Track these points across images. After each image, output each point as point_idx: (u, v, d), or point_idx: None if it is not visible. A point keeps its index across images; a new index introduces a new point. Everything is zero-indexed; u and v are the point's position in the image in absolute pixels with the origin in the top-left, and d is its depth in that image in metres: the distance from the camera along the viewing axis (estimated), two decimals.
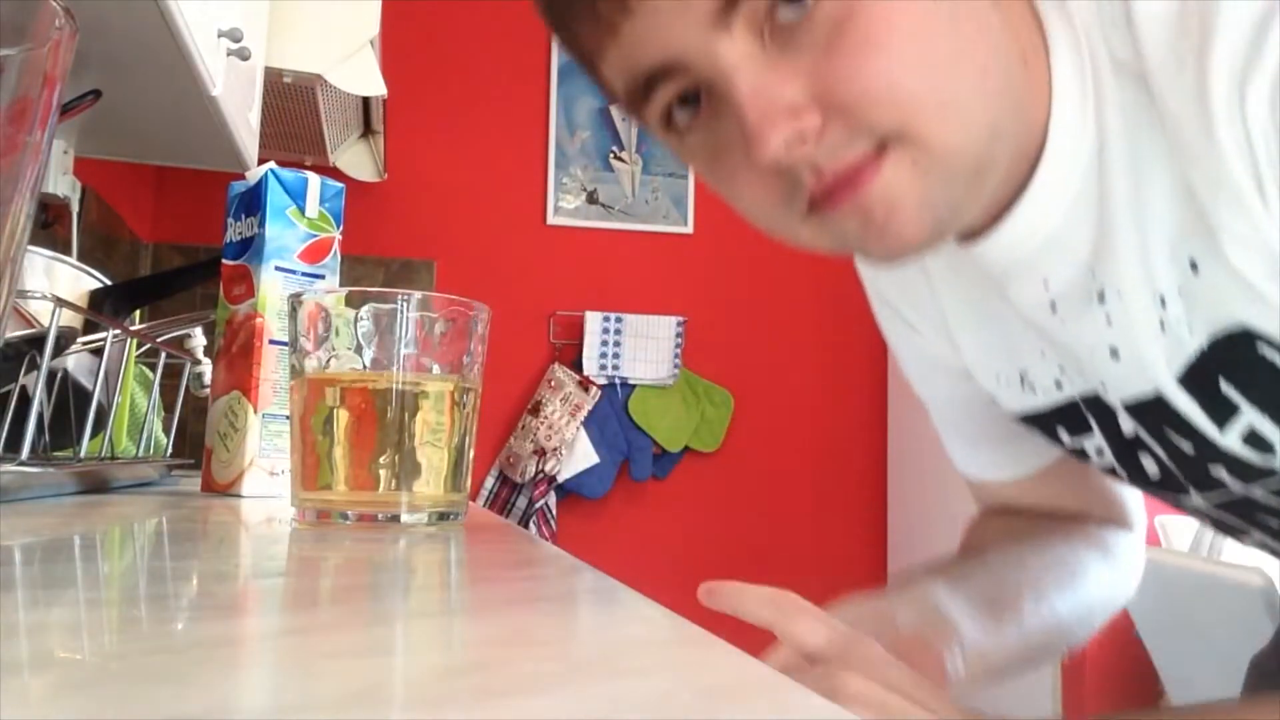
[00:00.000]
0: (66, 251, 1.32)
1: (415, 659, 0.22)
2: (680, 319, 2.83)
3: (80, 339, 0.78)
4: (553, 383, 2.81)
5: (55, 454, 0.79)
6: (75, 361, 0.80)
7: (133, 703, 0.16)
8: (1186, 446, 0.49)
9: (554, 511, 2.79)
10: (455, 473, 0.52)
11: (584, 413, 2.79)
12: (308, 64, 1.88)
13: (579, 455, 2.78)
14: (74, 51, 0.28)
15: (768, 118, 0.40)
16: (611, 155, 2.90)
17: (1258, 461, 0.46)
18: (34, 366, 0.64)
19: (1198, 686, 1.63)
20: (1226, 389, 0.45)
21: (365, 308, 0.51)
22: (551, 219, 2.84)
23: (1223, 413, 0.46)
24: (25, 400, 0.63)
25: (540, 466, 2.72)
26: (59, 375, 0.76)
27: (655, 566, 2.86)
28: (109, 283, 0.96)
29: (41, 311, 0.75)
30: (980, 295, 0.56)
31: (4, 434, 0.60)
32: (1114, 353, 0.48)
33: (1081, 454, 0.57)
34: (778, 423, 3.02)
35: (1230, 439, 0.46)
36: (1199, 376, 0.46)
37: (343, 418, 0.51)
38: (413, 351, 0.51)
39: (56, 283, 0.92)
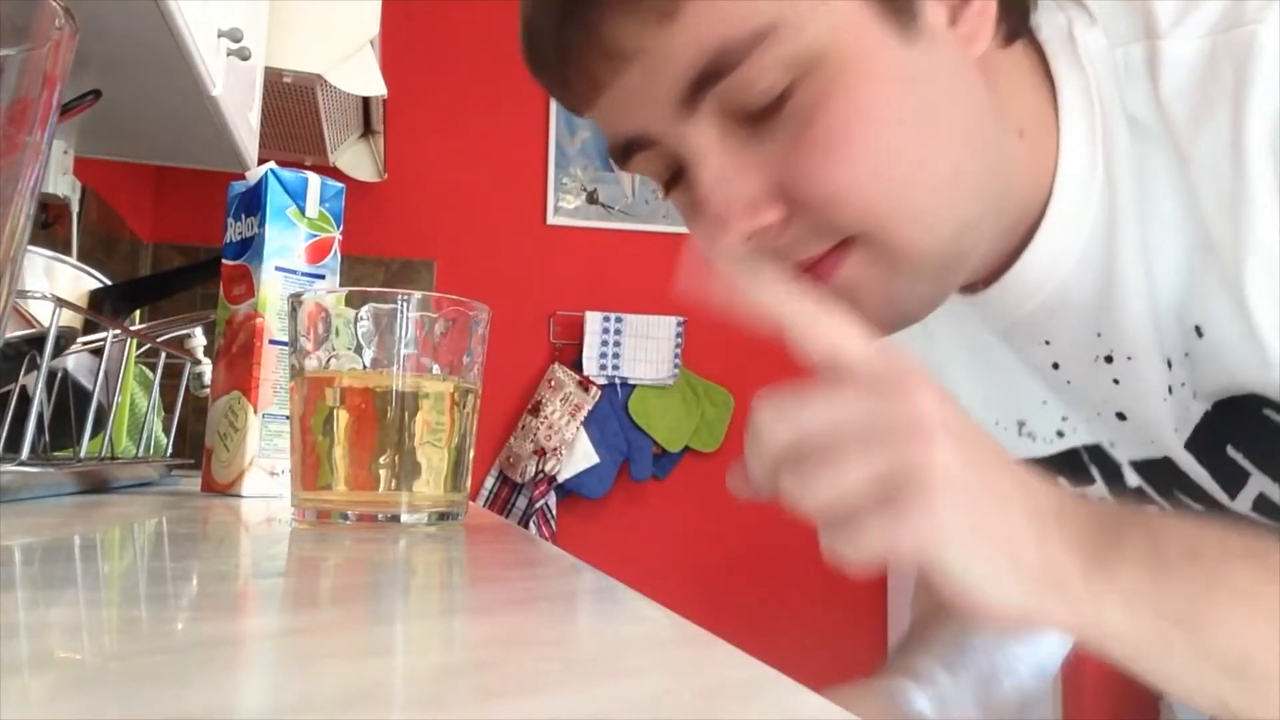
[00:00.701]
0: (66, 251, 1.33)
1: (415, 659, 0.22)
2: (680, 319, 2.83)
3: (80, 339, 0.78)
4: (553, 383, 2.81)
5: (55, 454, 0.79)
6: (75, 361, 0.80)
7: (133, 703, 0.16)
8: (1197, 508, 0.49)
9: (554, 511, 2.79)
10: (455, 473, 0.52)
11: (584, 413, 2.79)
12: (308, 64, 1.88)
13: (579, 455, 2.78)
14: (74, 51, 0.28)
15: (727, 211, 0.40)
16: None
17: (1270, 525, 0.46)
18: (34, 366, 0.64)
19: None
20: (1234, 454, 0.44)
21: (365, 308, 0.51)
22: (551, 219, 2.84)
23: (1232, 480, 0.45)
24: (25, 400, 0.63)
25: (540, 466, 2.72)
26: (59, 375, 0.76)
27: (655, 566, 2.86)
28: (109, 283, 0.96)
29: (41, 311, 0.75)
30: (980, 344, 0.55)
31: (4, 434, 0.60)
32: (1120, 415, 0.48)
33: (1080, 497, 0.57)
34: None
35: (1241, 505, 0.46)
36: (1206, 442, 0.45)
37: (343, 418, 0.51)
38: (413, 351, 0.51)
39: (56, 283, 0.92)
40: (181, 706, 0.16)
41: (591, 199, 2.86)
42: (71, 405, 0.77)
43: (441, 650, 0.23)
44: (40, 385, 0.62)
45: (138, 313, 1.01)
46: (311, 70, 1.89)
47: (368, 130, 2.48)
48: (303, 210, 0.73)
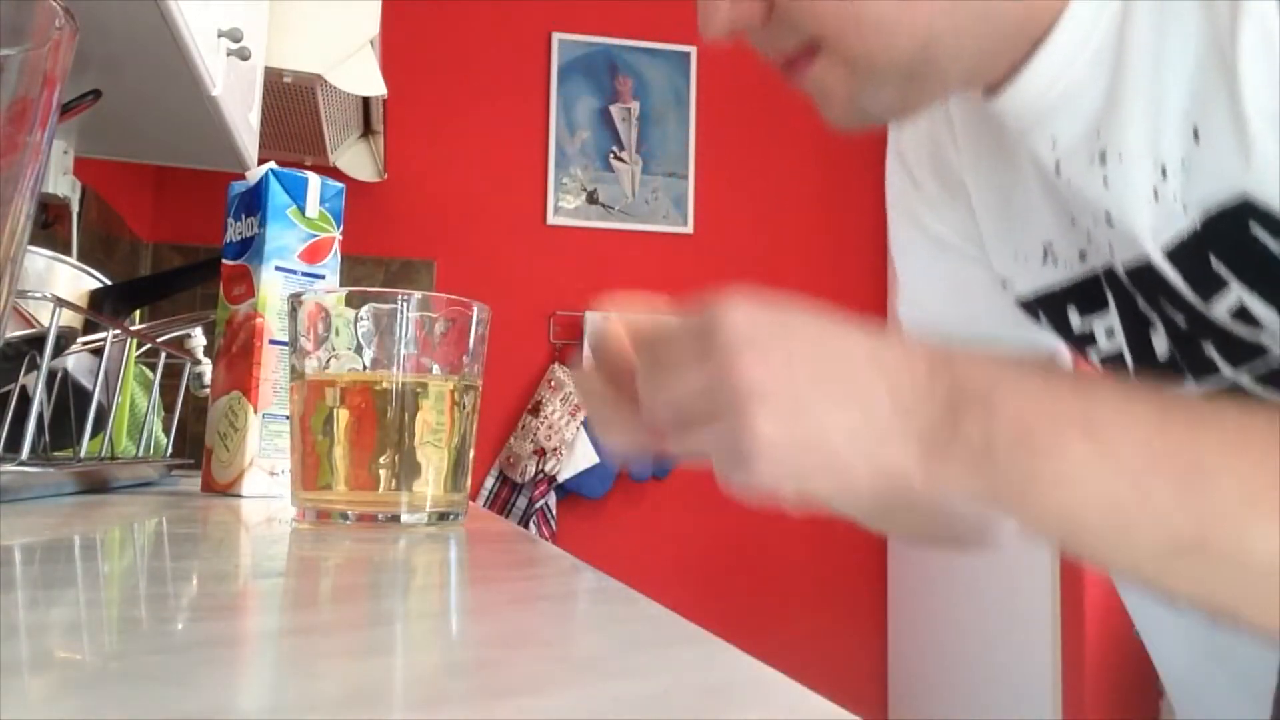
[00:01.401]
0: (66, 251, 1.33)
1: (415, 659, 0.22)
2: None
3: (80, 339, 0.78)
4: (553, 383, 2.81)
5: (55, 454, 0.79)
6: (75, 361, 0.80)
7: (133, 703, 0.16)
8: (1180, 320, 0.49)
9: (554, 511, 2.79)
10: (455, 473, 0.52)
11: (584, 413, 2.79)
12: (308, 64, 1.88)
13: (579, 455, 2.78)
14: (74, 51, 0.28)
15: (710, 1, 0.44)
16: (611, 155, 2.90)
17: (1246, 335, 0.46)
18: (34, 366, 0.64)
19: (1198, 686, 1.63)
20: (1217, 266, 0.45)
21: (365, 308, 0.51)
22: (551, 219, 2.84)
23: (1210, 287, 0.46)
24: (25, 400, 0.63)
25: (540, 466, 2.72)
26: (59, 375, 0.76)
27: (655, 566, 2.86)
28: (109, 283, 0.96)
29: (41, 311, 0.75)
30: (1005, 166, 0.56)
31: (4, 434, 0.60)
32: (1108, 218, 0.49)
33: (1087, 340, 0.57)
34: None
35: (1218, 311, 0.46)
36: (1188, 253, 0.46)
37: (343, 418, 0.51)
38: (413, 351, 0.51)
39: (56, 283, 0.92)
40: (181, 706, 0.16)
41: (591, 199, 2.86)
42: (71, 405, 0.77)
43: (441, 650, 0.23)
44: (40, 385, 0.62)
45: (138, 313, 1.01)
46: (311, 70, 1.89)
47: (368, 130, 2.48)
48: (303, 210, 0.73)
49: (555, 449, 2.73)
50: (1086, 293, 0.55)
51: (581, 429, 2.78)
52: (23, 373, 0.65)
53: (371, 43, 2.01)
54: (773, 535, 2.99)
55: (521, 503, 2.75)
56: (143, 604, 0.28)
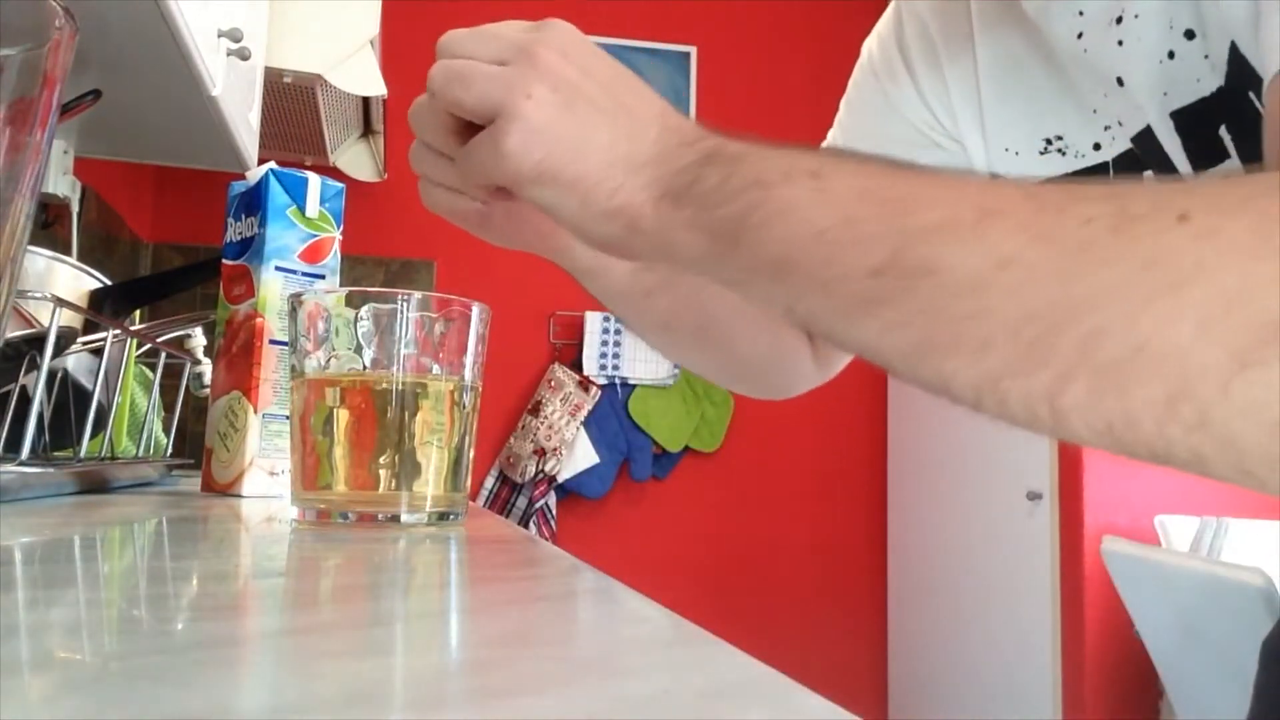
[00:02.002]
0: (66, 251, 1.33)
1: (415, 659, 0.22)
2: None
3: (80, 339, 0.78)
4: (553, 383, 2.81)
5: (55, 454, 0.79)
6: (75, 361, 0.80)
7: (133, 703, 0.16)
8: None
9: (554, 511, 2.79)
10: (455, 473, 0.52)
11: (584, 413, 2.79)
12: (308, 64, 1.88)
13: (579, 455, 2.78)
14: (74, 51, 0.28)
15: None
16: None
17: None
18: (34, 366, 0.64)
19: (1198, 686, 1.63)
20: (1224, 135, 0.46)
21: (365, 308, 0.51)
22: None
23: (1207, 158, 0.47)
24: (25, 400, 0.63)
25: (540, 466, 2.72)
26: (59, 375, 0.76)
27: (655, 566, 2.86)
28: (109, 283, 0.96)
29: (41, 311, 0.75)
30: (1021, 61, 0.56)
31: (4, 434, 0.60)
32: (1119, 81, 0.49)
33: None
34: (778, 423, 3.01)
35: None
36: (1198, 118, 0.46)
37: (343, 418, 0.51)
38: (413, 351, 0.51)
39: (56, 283, 0.92)
40: (181, 706, 0.16)
41: None
42: (71, 405, 0.77)
43: (441, 650, 0.23)
44: (40, 385, 0.62)
45: (138, 313, 1.01)
46: (311, 70, 1.89)
47: (368, 130, 2.48)
48: (303, 210, 0.73)
49: (555, 449, 2.73)
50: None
51: (581, 429, 2.78)
52: (23, 373, 0.65)
53: (371, 43, 2.01)
54: (773, 535, 2.99)
55: (521, 503, 2.75)
56: (143, 604, 0.28)
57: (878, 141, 0.67)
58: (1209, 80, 0.45)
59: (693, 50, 3.03)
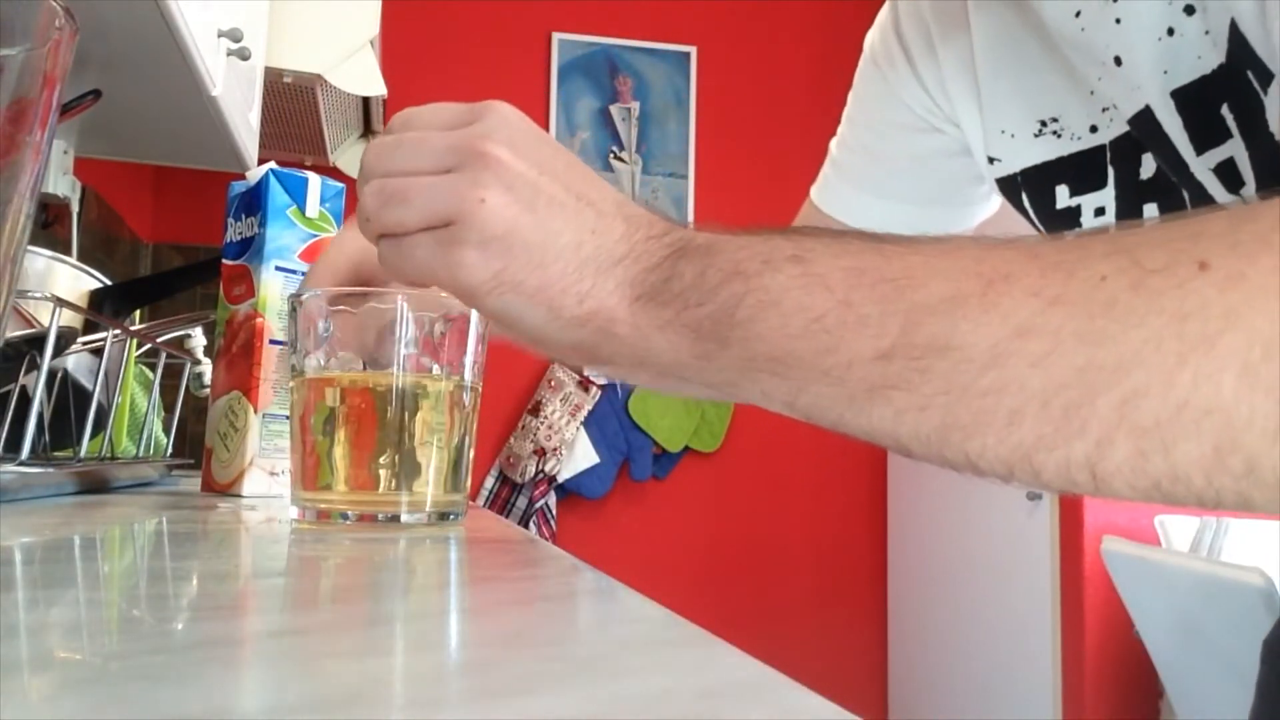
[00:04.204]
0: (66, 251, 1.33)
1: (415, 659, 0.22)
2: None
3: (80, 339, 0.78)
4: (553, 383, 2.81)
5: (55, 454, 0.79)
6: (75, 361, 0.80)
7: (133, 703, 0.16)
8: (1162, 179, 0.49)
9: (554, 511, 2.79)
10: (455, 473, 0.52)
11: (584, 413, 2.79)
12: (308, 64, 1.88)
13: (579, 455, 2.78)
14: (74, 51, 0.28)
15: None
16: (611, 155, 2.90)
17: (1222, 197, 0.47)
18: (34, 366, 0.64)
19: (1198, 686, 1.63)
20: (1225, 114, 0.45)
21: (365, 308, 0.51)
22: None
23: (1209, 139, 0.46)
24: (25, 400, 0.63)
25: (540, 466, 2.72)
26: (59, 375, 0.76)
27: (655, 566, 2.86)
28: (109, 283, 0.96)
29: (41, 311, 0.75)
30: (1018, 41, 0.56)
31: (4, 434, 0.60)
32: (1117, 60, 0.49)
33: (1067, 219, 0.57)
34: (778, 423, 3.01)
35: (1204, 164, 0.46)
36: (1200, 95, 0.46)
37: (343, 417, 0.51)
38: (413, 351, 0.51)
39: (56, 283, 0.92)
40: (181, 706, 0.16)
41: None
42: (71, 405, 0.77)
43: (441, 650, 0.23)
44: (40, 385, 0.62)
45: (138, 313, 1.01)
46: (311, 70, 1.89)
47: (368, 130, 2.48)
48: (303, 210, 0.73)
49: (555, 449, 2.73)
50: (1085, 167, 0.55)
51: (581, 429, 2.78)
52: (23, 373, 0.65)
53: (371, 43, 2.01)
54: (773, 535, 2.99)
55: (521, 503, 2.75)
56: (143, 604, 0.28)
57: (882, 129, 0.67)
58: (1210, 57, 0.44)
59: (693, 50, 3.03)
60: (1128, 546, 1.81)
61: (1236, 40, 0.43)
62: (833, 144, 0.73)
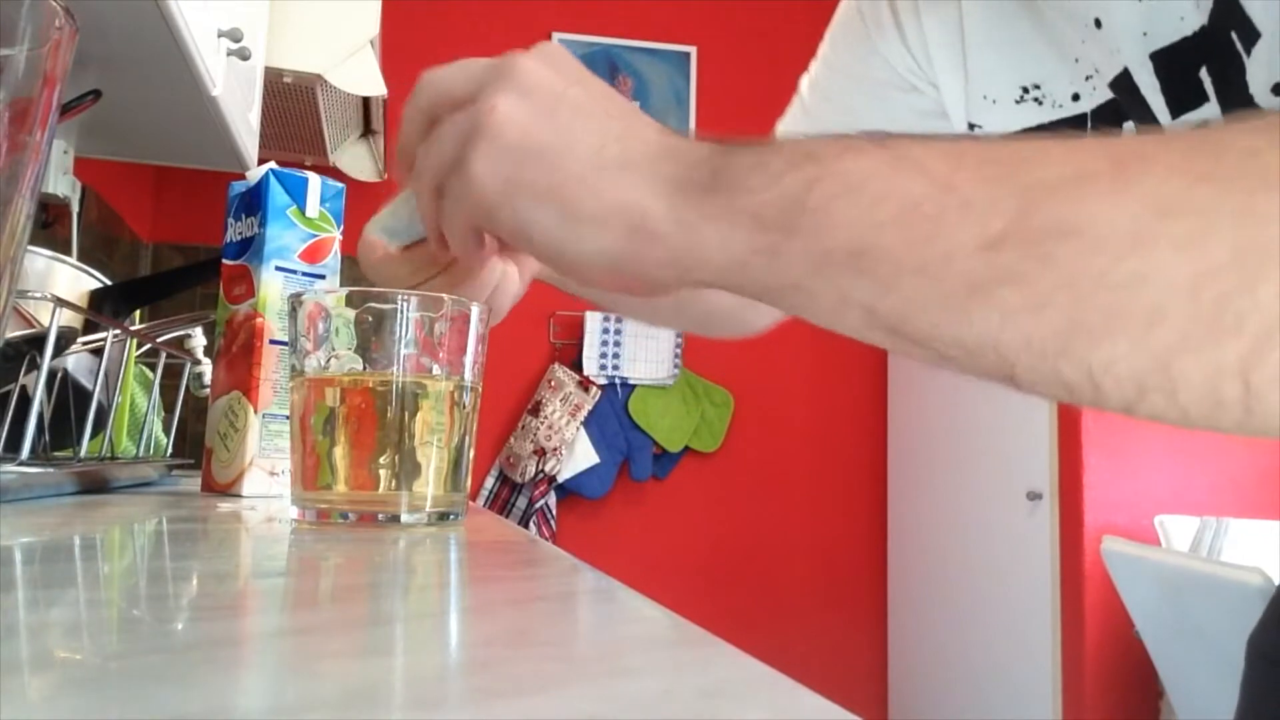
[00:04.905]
0: (66, 251, 1.33)
1: (415, 659, 0.22)
2: None
3: (80, 339, 0.78)
4: (553, 383, 2.81)
5: (55, 454, 0.79)
6: (75, 361, 0.80)
7: (133, 703, 0.16)
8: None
9: (554, 511, 2.79)
10: (455, 473, 0.52)
11: (584, 413, 2.79)
12: (308, 64, 1.88)
13: (579, 455, 2.78)
14: (74, 51, 0.28)
15: None
16: None
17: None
18: (34, 366, 0.64)
19: (1197, 686, 1.63)
20: (1204, 77, 0.44)
21: (365, 308, 0.51)
22: None
23: (1185, 101, 0.45)
24: (25, 400, 0.63)
25: (540, 466, 2.72)
26: (59, 375, 0.76)
27: (655, 566, 2.86)
28: (109, 283, 0.96)
29: (41, 311, 0.75)
30: (1008, 12, 0.55)
31: (4, 434, 0.60)
32: (1097, 23, 0.48)
33: None
34: (778, 423, 3.01)
35: (1180, 127, 0.47)
36: (1180, 57, 0.45)
37: (343, 417, 0.51)
38: (413, 351, 0.51)
39: (56, 283, 0.92)
40: (181, 706, 0.16)
41: None
42: (71, 405, 0.77)
43: (441, 650, 0.23)
44: (40, 385, 0.62)
45: (138, 313, 1.01)
46: (311, 70, 1.89)
47: (368, 130, 2.48)
48: (303, 210, 0.73)
49: (555, 449, 2.73)
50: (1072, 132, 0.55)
51: (581, 429, 2.78)
52: (23, 373, 0.65)
53: (371, 43, 2.01)
54: (773, 535, 2.99)
55: (521, 503, 2.75)
56: (143, 604, 0.28)
57: (857, 79, 0.65)
58: (1192, 19, 0.44)
59: (693, 50, 3.03)
60: (1128, 546, 1.81)
61: (1224, 2, 0.42)
62: (804, 83, 0.70)
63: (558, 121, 0.32)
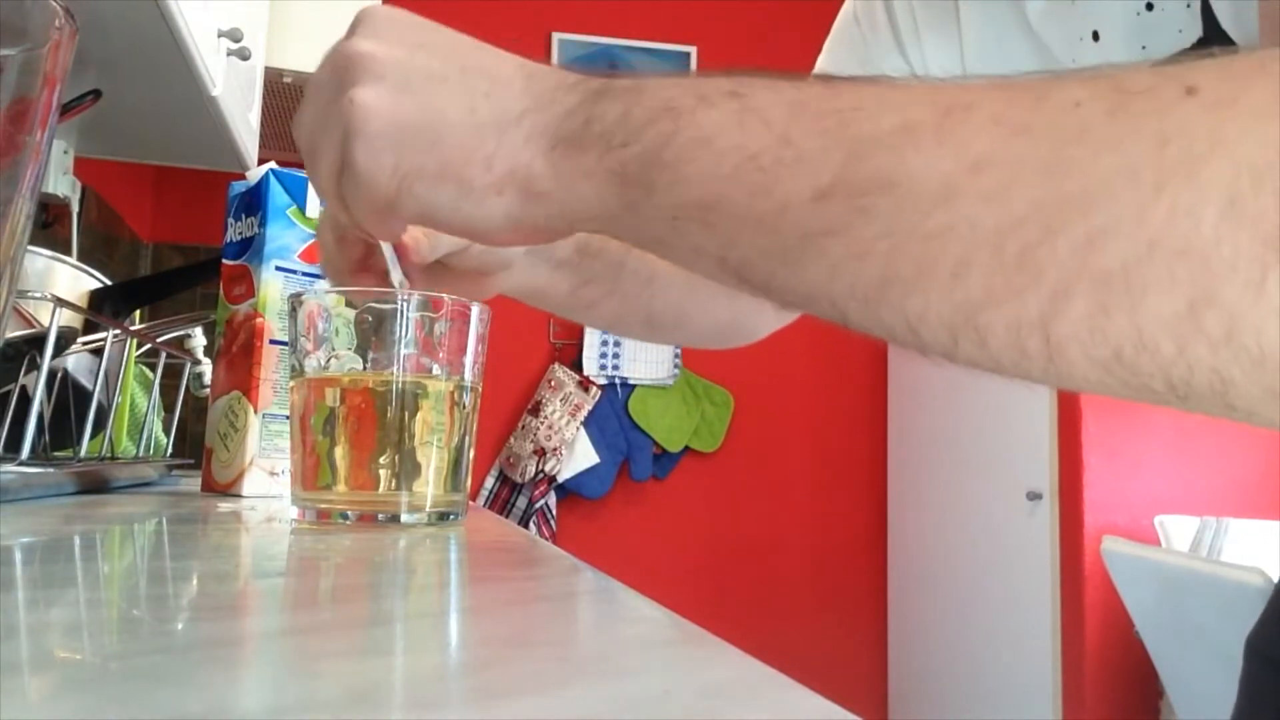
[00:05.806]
0: (66, 251, 1.33)
1: (415, 659, 0.22)
2: None
3: (80, 339, 0.78)
4: (553, 383, 2.81)
5: (55, 454, 0.79)
6: (75, 361, 0.80)
7: (133, 703, 0.16)
8: None
9: (554, 511, 2.79)
10: (455, 473, 0.52)
11: (584, 413, 2.79)
12: (308, 64, 1.88)
13: (579, 455, 2.78)
14: (74, 51, 0.28)
15: None
16: None
17: None
18: (34, 366, 0.64)
19: (1197, 686, 1.63)
20: None
21: (365, 308, 0.51)
22: None
23: None
24: (25, 400, 0.63)
25: (540, 466, 2.72)
26: (59, 375, 0.76)
27: (655, 566, 2.86)
28: (109, 283, 0.96)
29: (41, 311, 0.75)
30: (1010, 32, 0.56)
31: (4, 434, 0.60)
32: (1095, 35, 0.48)
33: None
34: (777, 423, 3.01)
35: None
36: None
37: (343, 417, 0.51)
38: (413, 351, 0.51)
39: (56, 283, 0.92)
40: (181, 706, 0.16)
41: None
42: (71, 405, 0.77)
43: (441, 650, 0.23)
44: (40, 385, 0.62)
45: (138, 313, 1.01)
46: (311, 70, 1.89)
47: None
48: (303, 210, 0.73)
49: (555, 449, 2.73)
50: None
51: (581, 429, 2.78)
52: (23, 373, 0.65)
53: None
54: (773, 535, 2.99)
55: (521, 503, 2.75)
56: (143, 604, 0.28)
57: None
58: (1190, 31, 0.44)
59: (693, 50, 3.03)
60: (1128, 546, 1.81)
61: (1208, 15, 0.43)
62: None
63: (418, 95, 0.32)
